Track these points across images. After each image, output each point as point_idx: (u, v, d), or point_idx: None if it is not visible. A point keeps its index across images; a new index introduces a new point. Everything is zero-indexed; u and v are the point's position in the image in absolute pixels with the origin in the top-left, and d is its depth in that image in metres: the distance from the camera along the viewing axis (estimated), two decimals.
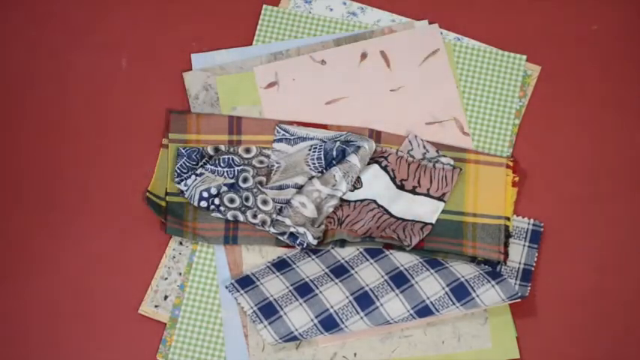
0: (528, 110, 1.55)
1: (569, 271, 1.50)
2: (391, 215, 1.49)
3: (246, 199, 1.48)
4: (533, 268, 1.49)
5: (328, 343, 1.47)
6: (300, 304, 1.45)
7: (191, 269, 1.50)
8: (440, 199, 1.49)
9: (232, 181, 1.49)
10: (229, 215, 1.48)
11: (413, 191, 1.50)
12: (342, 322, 1.44)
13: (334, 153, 1.50)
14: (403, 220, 1.49)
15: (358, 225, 1.48)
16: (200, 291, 1.49)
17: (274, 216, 1.48)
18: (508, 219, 1.50)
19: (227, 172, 1.50)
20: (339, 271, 1.48)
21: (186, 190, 1.49)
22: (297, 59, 1.55)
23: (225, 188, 1.48)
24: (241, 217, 1.48)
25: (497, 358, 1.47)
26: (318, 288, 1.46)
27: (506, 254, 1.48)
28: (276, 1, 1.58)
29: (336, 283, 1.47)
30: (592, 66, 1.56)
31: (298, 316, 1.44)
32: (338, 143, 1.50)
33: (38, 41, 1.57)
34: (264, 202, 1.48)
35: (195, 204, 1.48)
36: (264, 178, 1.50)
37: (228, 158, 1.50)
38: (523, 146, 1.54)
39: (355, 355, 1.47)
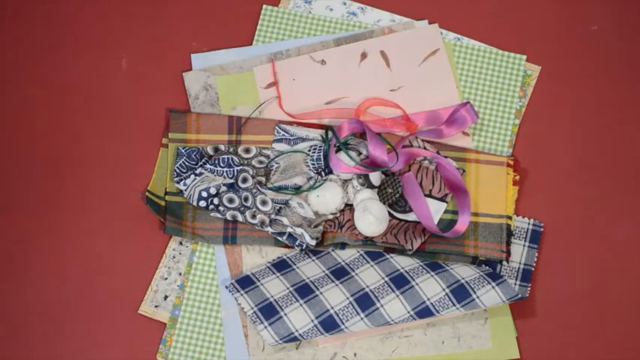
0: (528, 110, 1.55)
1: (569, 271, 1.51)
2: (393, 217, 1.49)
3: (246, 199, 1.48)
4: (533, 269, 1.49)
5: (328, 343, 1.47)
6: (301, 304, 1.45)
7: (191, 269, 1.50)
8: (442, 199, 1.49)
9: (232, 181, 1.49)
10: (228, 215, 1.48)
11: None
12: (343, 323, 1.44)
13: None
14: (405, 221, 1.49)
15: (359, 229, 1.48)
16: (200, 291, 1.49)
17: (273, 216, 1.48)
18: (510, 217, 1.50)
19: (226, 172, 1.50)
20: (340, 273, 1.48)
21: (186, 190, 1.49)
22: (297, 59, 1.55)
23: (224, 188, 1.48)
24: (240, 217, 1.48)
25: (497, 358, 1.48)
26: (318, 289, 1.46)
27: (508, 252, 1.48)
28: (276, 1, 1.58)
29: (337, 285, 1.47)
30: (592, 66, 1.56)
31: (299, 316, 1.44)
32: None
33: (38, 41, 1.56)
34: (264, 203, 1.48)
35: (195, 204, 1.48)
36: (263, 179, 1.50)
37: (228, 158, 1.50)
38: (523, 146, 1.54)
39: (355, 355, 1.48)
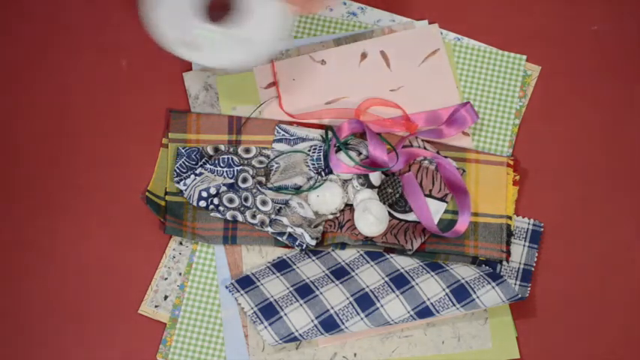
0: (528, 110, 1.55)
1: (569, 271, 1.51)
2: (393, 217, 1.49)
3: (246, 199, 1.48)
4: (533, 269, 1.49)
5: (328, 343, 1.47)
6: (301, 304, 1.45)
7: (191, 269, 1.50)
8: (442, 199, 1.49)
9: (232, 181, 1.49)
10: (228, 215, 1.48)
11: None
12: (343, 323, 1.44)
13: None
14: (405, 221, 1.49)
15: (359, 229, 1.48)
16: (200, 291, 1.49)
17: (273, 216, 1.48)
18: (510, 217, 1.50)
19: (226, 172, 1.50)
20: (340, 273, 1.48)
21: (186, 190, 1.49)
22: (297, 59, 1.55)
23: (224, 188, 1.48)
24: (240, 217, 1.48)
25: (497, 358, 1.48)
26: (318, 289, 1.46)
27: (508, 253, 1.48)
28: None
29: (337, 285, 1.47)
30: (592, 66, 1.56)
31: (299, 316, 1.44)
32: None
33: (38, 41, 1.56)
34: (264, 203, 1.48)
35: (195, 204, 1.48)
36: (263, 179, 1.50)
37: (228, 158, 1.50)
38: (523, 146, 1.54)
39: (355, 355, 1.48)
